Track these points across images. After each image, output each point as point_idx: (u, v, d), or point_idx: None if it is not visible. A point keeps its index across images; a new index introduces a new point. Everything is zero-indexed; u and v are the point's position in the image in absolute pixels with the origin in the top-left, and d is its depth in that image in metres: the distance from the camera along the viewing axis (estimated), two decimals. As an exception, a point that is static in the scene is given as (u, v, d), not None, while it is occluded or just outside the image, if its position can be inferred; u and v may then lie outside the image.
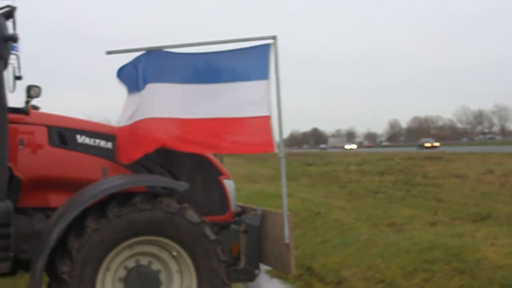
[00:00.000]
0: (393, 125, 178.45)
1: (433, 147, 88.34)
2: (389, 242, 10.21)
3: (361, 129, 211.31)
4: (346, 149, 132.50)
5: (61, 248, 5.58)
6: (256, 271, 6.74)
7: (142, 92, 6.49)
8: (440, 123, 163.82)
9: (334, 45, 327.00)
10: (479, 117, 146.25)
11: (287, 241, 6.40)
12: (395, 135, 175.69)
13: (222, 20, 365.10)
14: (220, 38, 6.79)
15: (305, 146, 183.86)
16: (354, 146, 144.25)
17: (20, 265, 6.08)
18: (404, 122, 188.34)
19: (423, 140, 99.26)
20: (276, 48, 6.53)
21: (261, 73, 6.47)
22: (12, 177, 5.97)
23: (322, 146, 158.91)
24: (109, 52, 6.72)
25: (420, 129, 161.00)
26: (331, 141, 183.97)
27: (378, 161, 44.91)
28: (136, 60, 6.68)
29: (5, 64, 5.92)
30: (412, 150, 67.83)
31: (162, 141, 6.38)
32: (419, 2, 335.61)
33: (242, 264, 6.72)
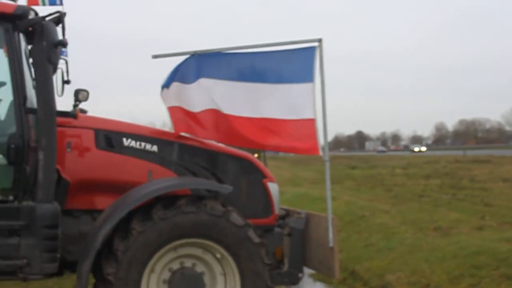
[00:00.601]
0: (439, 128, 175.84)
1: None
2: (435, 247, 10.07)
3: (406, 132, 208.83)
4: (414, 151, 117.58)
5: (107, 249, 5.66)
6: (300, 275, 6.72)
7: (189, 86, 6.66)
8: (487, 126, 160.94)
9: (377, 45, 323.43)
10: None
11: (331, 244, 6.38)
12: (441, 138, 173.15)
13: (222, 20, 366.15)
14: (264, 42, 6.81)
15: (342, 149, 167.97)
16: (423, 149, 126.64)
17: (67, 266, 6.19)
18: (451, 124, 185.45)
19: None
20: (321, 51, 6.52)
21: (306, 76, 6.47)
22: (59, 180, 6.08)
23: (381, 148, 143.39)
24: (155, 56, 6.81)
25: (467, 132, 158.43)
26: (367, 145, 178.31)
27: (424, 164, 44.35)
28: (183, 63, 6.77)
29: (54, 69, 6.03)
30: (458, 153, 66.09)
31: (207, 134, 6.64)
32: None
33: (285, 267, 6.71)
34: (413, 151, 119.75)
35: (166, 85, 6.79)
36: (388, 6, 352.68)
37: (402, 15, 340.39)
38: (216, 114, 6.59)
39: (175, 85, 6.72)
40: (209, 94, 6.60)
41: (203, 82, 6.63)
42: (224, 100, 6.58)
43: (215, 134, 6.66)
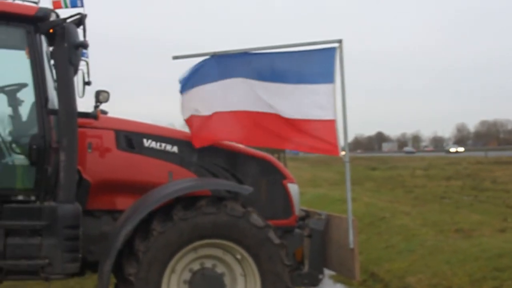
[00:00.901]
0: (460, 129, 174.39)
1: None
2: (456, 249, 10.00)
3: (426, 133, 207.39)
4: (450, 152, 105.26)
5: (127, 250, 5.68)
6: (320, 276, 6.70)
7: (208, 88, 6.70)
8: (509, 127, 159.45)
9: (396, 46, 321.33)
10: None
11: (351, 246, 6.35)
12: (463, 139, 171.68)
13: (221, 20, 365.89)
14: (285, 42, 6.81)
15: (359, 151, 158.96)
16: (461, 149, 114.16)
17: (88, 266, 6.22)
18: (472, 125, 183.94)
19: None
20: (341, 52, 6.50)
21: (327, 77, 6.46)
22: (81, 180, 6.13)
23: (408, 149, 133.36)
24: (175, 57, 6.83)
25: (489, 133, 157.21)
26: (384, 146, 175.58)
27: (445, 165, 44.02)
28: (201, 63, 6.80)
29: (75, 70, 6.07)
30: (479, 155, 65.02)
31: (226, 135, 6.66)
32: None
33: (306, 269, 6.69)
34: (448, 151, 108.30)
35: (184, 90, 6.83)
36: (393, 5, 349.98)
37: (413, 15, 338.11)
38: (236, 114, 6.60)
39: (196, 89, 6.75)
40: (229, 95, 6.62)
41: (224, 83, 6.65)
42: (245, 98, 6.60)
43: (234, 135, 6.66)
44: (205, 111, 6.67)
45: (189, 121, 6.82)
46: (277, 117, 6.54)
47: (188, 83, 6.81)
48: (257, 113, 6.58)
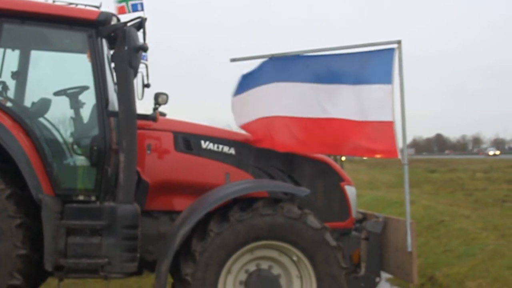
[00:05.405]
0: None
1: None
2: (518, 254, 9.75)
3: (487, 135, 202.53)
4: (489, 155, 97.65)
5: (185, 250, 5.75)
6: (377, 279, 6.64)
7: (265, 90, 6.74)
8: None
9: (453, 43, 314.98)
10: None
11: (409, 249, 6.28)
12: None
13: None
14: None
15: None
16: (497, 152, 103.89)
17: (146, 266, 6.32)
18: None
19: None
20: (400, 53, 6.42)
21: (385, 78, 6.40)
22: (139, 181, 6.23)
23: (492, 151, 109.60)
24: (233, 60, 6.88)
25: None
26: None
27: (507, 168, 42.92)
28: (260, 65, 6.83)
29: (135, 73, 6.18)
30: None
31: (282, 143, 6.58)
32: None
33: (362, 272, 6.64)
34: (487, 155, 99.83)
35: (238, 93, 6.90)
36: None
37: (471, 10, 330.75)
38: (290, 120, 6.59)
39: (250, 92, 6.80)
40: (283, 99, 6.62)
41: (279, 85, 6.66)
42: (299, 104, 6.58)
43: (288, 142, 6.63)
44: (260, 114, 6.71)
45: (244, 125, 6.88)
46: (332, 122, 6.50)
47: (243, 85, 6.87)
48: (311, 119, 6.56)
